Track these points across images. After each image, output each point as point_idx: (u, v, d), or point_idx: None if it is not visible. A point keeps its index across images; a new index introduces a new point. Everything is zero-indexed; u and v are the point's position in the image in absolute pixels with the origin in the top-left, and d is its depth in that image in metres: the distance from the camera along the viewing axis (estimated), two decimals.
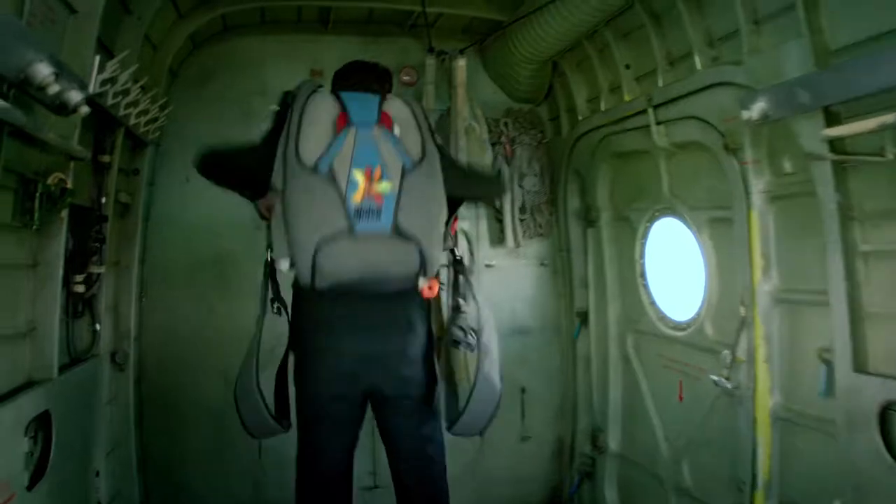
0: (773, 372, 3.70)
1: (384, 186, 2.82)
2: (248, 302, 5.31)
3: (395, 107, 3.03)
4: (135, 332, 4.93)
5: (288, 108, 2.96)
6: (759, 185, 3.72)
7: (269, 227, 3.04)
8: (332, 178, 2.77)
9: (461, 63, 5.24)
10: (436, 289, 2.99)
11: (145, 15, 4.15)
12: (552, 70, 5.62)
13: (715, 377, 4.02)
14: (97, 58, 3.35)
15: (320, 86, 3.07)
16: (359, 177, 2.79)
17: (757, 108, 3.27)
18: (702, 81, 3.98)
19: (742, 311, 3.83)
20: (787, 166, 3.53)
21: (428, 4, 5.03)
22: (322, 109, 2.94)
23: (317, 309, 3.01)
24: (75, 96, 2.81)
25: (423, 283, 2.92)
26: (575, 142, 5.53)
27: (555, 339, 6.14)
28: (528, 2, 4.96)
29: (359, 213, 2.77)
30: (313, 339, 3.06)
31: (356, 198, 2.77)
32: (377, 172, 2.82)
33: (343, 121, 2.88)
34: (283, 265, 2.91)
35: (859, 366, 3.01)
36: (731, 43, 3.77)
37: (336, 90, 3.19)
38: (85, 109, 2.87)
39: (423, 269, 2.90)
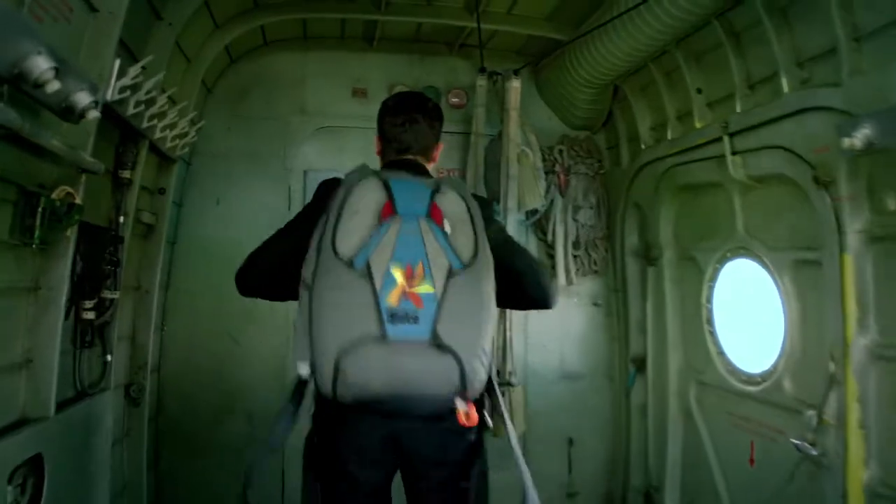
0: (869, 439, 3.21)
1: (425, 288, 2.38)
2: (276, 337, 5.17)
3: (449, 200, 2.54)
4: (153, 364, 4.58)
5: (326, 196, 2.55)
6: (855, 225, 3.27)
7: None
8: (367, 274, 2.35)
9: (515, 84, 4.85)
10: (474, 417, 2.45)
11: (177, 22, 3.84)
12: (612, 94, 5.22)
13: (796, 441, 3.55)
14: (117, 61, 3.03)
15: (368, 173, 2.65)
16: (397, 275, 2.36)
17: (860, 136, 2.85)
18: (789, 106, 3.56)
19: (832, 366, 3.37)
20: (892, 203, 3.08)
21: (482, 21, 4.70)
22: (368, 198, 2.50)
23: (337, 426, 2.52)
24: (83, 99, 2.47)
25: (461, 407, 2.41)
26: (636, 173, 5.10)
27: (607, 386, 5.67)
28: (590, 20, 4.60)
29: (393, 316, 2.32)
30: (332, 461, 2.56)
31: (392, 299, 2.33)
32: (419, 270, 2.39)
33: (388, 210, 2.48)
34: (303, 370, 2.42)
35: None
36: (825, 63, 3.37)
37: (386, 162, 2.90)
38: (94, 114, 2.53)
39: (462, 389, 2.42)
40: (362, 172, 2.54)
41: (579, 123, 5.57)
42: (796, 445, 3.55)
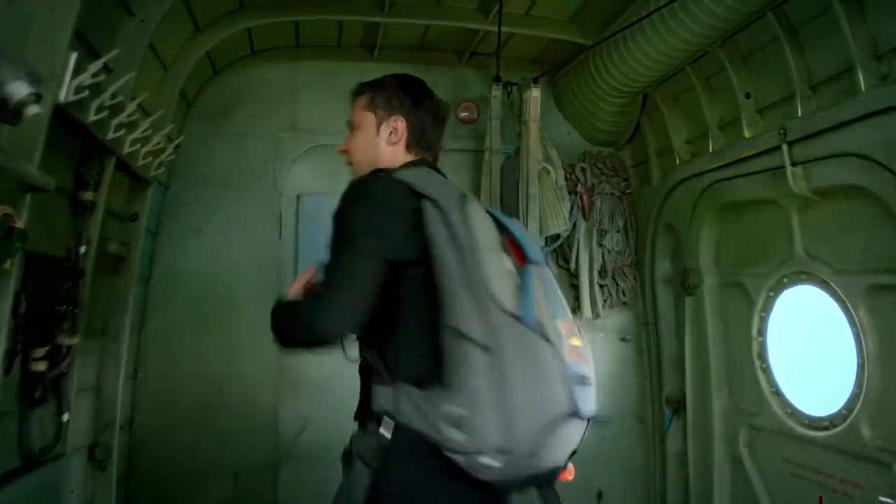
0: None
1: (577, 341, 2.02)
2: (264, 385, 4.53)
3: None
4: (123, 419, 3.97)
5: (405, 211, 2.06)
6: None
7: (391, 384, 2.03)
8: (543, 333, 1.93)
9: (535, 94, 4.33)
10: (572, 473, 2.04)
11: (150, 19, 3.28)
12: (641, 105, 4.69)
13: (885, 499, 3.05)
14: (73, 54, 2.48)
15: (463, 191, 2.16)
16: (563, 331, 1.99)
17: None
18: (865, 107, 3.07)
19: None
20: None
21: (495, 24, 4.19)
22: (487, 230, 2.07)
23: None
24: (19, 90, 1.90)
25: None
26: (669, 191, 4.56)
27: (639, 430, 5.07)
28: (618, 20, 4.10)
29: (579, 379, 1.94)
30: None
31: (571, 359, 1.94)
32: (570, 323, 2.04)
33: (518, 253, 2.11)
34: (490, 458, 1.87)
35: None
36: None
37: (416, 159, 2.42)
38: (34, 110, 1.94)
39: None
40: (457, 189, 2.14)
41: (602, 138, 5.04)
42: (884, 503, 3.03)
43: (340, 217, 2.09)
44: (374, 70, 4.80)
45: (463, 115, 4.83)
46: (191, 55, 3.93)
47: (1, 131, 2.22)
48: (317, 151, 4.75)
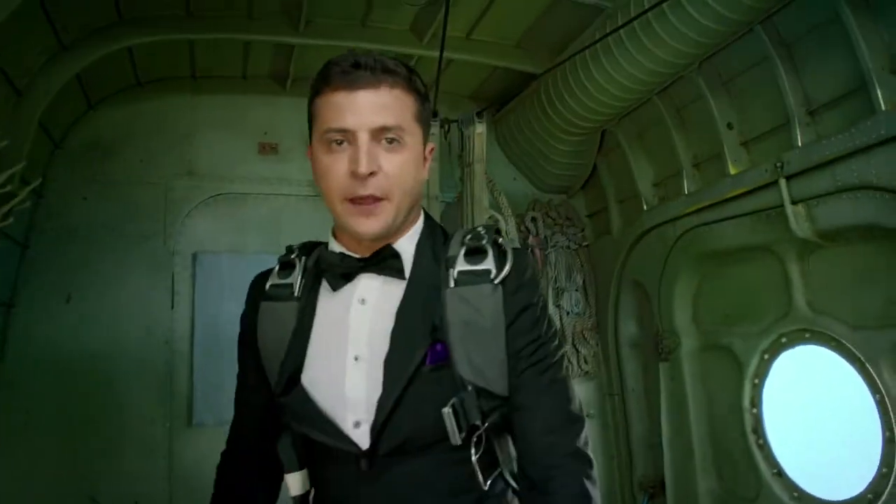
0: None
1: None
2: (157, 492, 3.67)
3: None
4: None
5: None
6: None
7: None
8: None
9: (479, 130, 3.73)
10: None
11: None
12: (598, 144, 4.12)
13: None
14: None
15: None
16: None
17: None
18: (881, 131, 2.61)
19: None
20: None
21: (430, 49, 3.59)
22: None
23: None
24: None
25: None
26: (634, 242, 4.00)
27: None
28: (573, 43, 3.59)
29: None
30: None
31: None
32: None
33: None
34: None
35: None
36: None
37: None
38: None
39: None
40: None
41: (553, 183, 4.47)
42: None
43: (538, 299, 1.75)
44: (288, 104, 4.19)
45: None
46: (53, 79, 3.13)
47: None
48: (218, 201, 4.02)
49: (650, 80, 3.41)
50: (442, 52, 3.45)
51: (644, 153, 4.00)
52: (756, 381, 3.47)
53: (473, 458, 1.62)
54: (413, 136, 1.65)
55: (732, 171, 3.36)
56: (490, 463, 1.68)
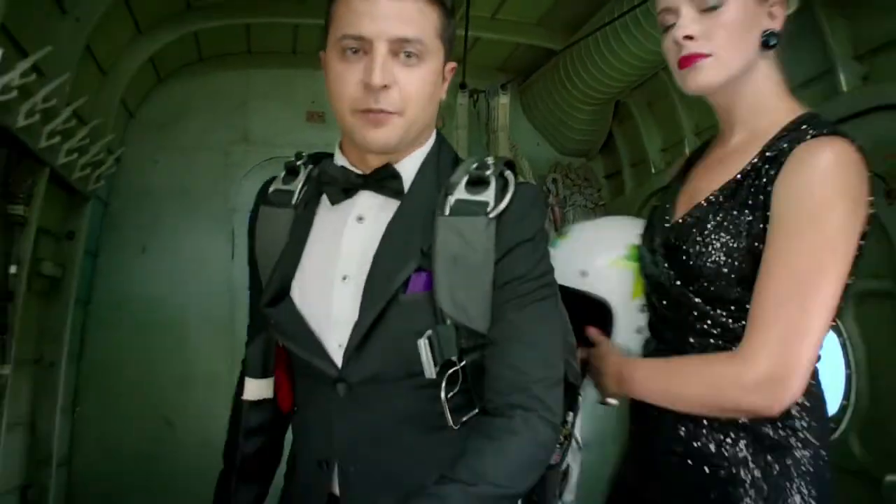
0: None
1: None
2: (220, 418, 4.19)
3: None
4: (60, 457, 3.63)
5: None
6: None
7: None
8: None
9: (503, 101, 4.15)
10: None
11: (87, 19, 2.99)
12: (613, 113, 4.53)
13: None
14: None
15: None
16: None
17: None
18: (848, 107, 2.96)
19: None
20: None
21: (462, 28, 3.99)
22: None
23: None
24: None
25: None
26: (645, 201, 4.38)
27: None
28: (589, 22, 3.95)
29: None
30: None
31: None
32: None
33: None
34: None
35: None
36: (891, 54, 2.85)
37: None
38: None
39: None
40: None
41: (573, 148, 4.85)
42: None
43: (536, 235, 1.59)
44: None
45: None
46: (132, 60, 3.62)
47: None
48: (271, 165, 4.45)
49: (656, 57, 3.76)
50: (466, 31, 3.85)
51: (654, 121, 4.37)
52: None
53: (443, 396, 1.51)
54: (433, 52, 1.54)
55: None
56: (468, 402, 1.57)
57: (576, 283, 2.04)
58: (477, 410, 1.55)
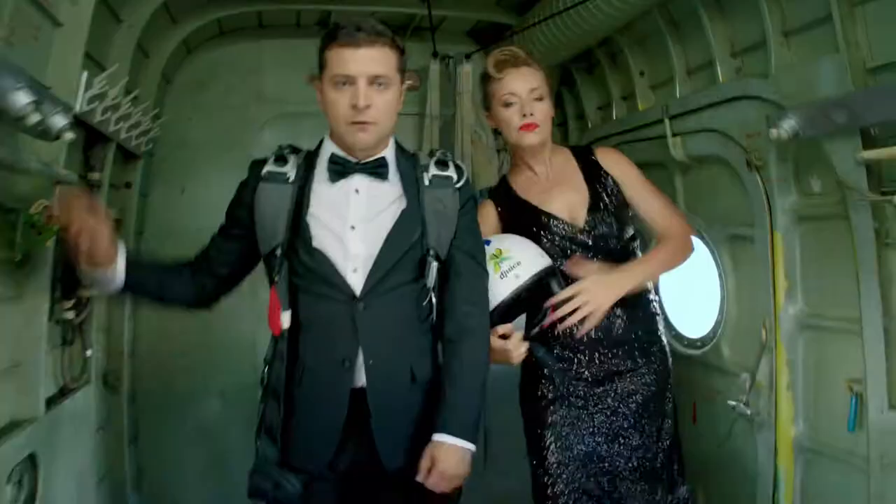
0: (796, 400, 3.49)
1: None
2: (244, 318, 4.93)
3: None
4: (128, 351, 4.72)
5: None
6: (784, 205, 3.50)
7: None
8: None
9: (466, 69, 5.03)
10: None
11: (137, 23, 3.92)
12: (559, 75, 5.39)
13: (732, 402, 3.81)
14: (84, 73, 3.14)
15: None
16: None
17: (787, 127, 3.03)
18: (723, 94, 3.76)
19: (763, 334, 3.63)
20: (816, 186, 3.32)
21: (432, 7, 4.82)
22: None
23: None
24: (59, 121, 2.58)
25: None
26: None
27: None
28: (537, 7, 4.74)
29: None
30: None
31: None
32: None
33: None
34: None
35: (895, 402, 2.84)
36: (757, 55, 3.55)
37: None
38: (70, 136, 2.65)
39: None
40: None
41: None
42: (732, 406, 3.80)
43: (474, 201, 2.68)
44: None
45: (408, 83, 5.48)
46: (169, 44, 4.53)
47: (34, 143, 2.80)
48: (281, 119, 5.35)
49: (590, 38, 4.45)
50: (430, 12, 4.74)
51: (591, 85, 5.20)
52: None
53: (434, 299, 2.46)
54: (394, 81, 2.35)
55: (641, 107, 4.58)
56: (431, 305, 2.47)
57: (542, 262, 2.91)
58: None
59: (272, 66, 5.38)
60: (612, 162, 3.31)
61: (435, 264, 2.41)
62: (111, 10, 3.65)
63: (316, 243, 2.36)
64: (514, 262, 2.79)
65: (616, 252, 3.20)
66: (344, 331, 2.33)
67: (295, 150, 2.55)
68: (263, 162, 2.53)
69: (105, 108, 3.48)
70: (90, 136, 3.70)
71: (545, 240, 3.11)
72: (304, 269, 2.36)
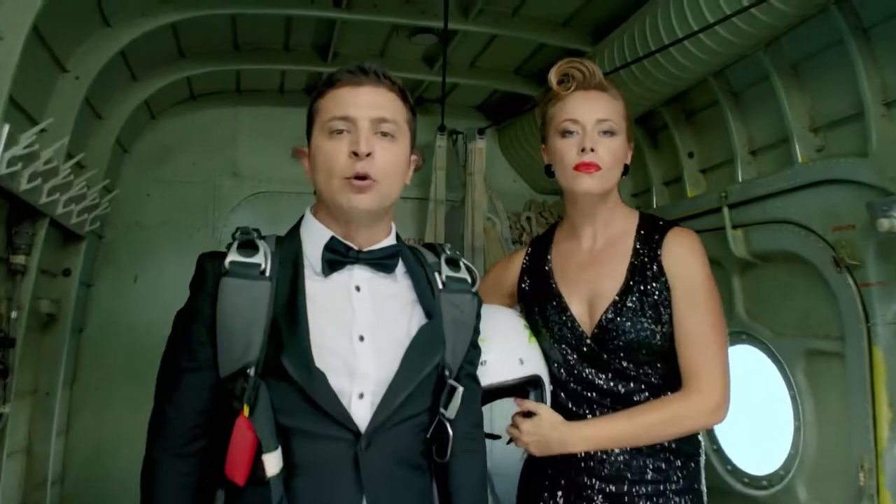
0: None
1: None
2: None
3: None
4: (54, 477, 3.82)
5: None
6: (887, 315, 2.85)
7: None
8: None
9: (480, 145, 4.35)
10: None
11: (86, 75, 3.19)
12: None
13: None
14: (6, 126, 2.37)
15: None
16: None
17: None
18: (801, 177, 3.17)
19: (861, 477, 2.91)
20: None
21: (439, 74, 4.18)
22: None
23: None
24: None
25: None
26: None
27: None
28: None
29: None
30: None
31: None
32: None
33: None
34: None
35: None
36: (847, 130, 3.01)
37: None
38: None
39: None
40: None
41: (548, 186, 5.03)
42: None
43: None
44: None
45: (412, 158, 4.81)
46: (127, 105, 3.81)
47: None
48: (258, 199, 4.66)
49: None
50: (444, 78, 4.04)
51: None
52: None
53: (449, 416, 1.84)
54: (404, 136, 1.85)
55: (690, 193, 3.95)
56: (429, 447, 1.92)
57: (516, 372, 2.27)
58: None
59: (249, 136, 4.69)
60: (679, 257, 2.28)
61: (460, 390, 1.85)
62: (52, 53, 2.92)
63: (317, 361, 1.73)
64: (483, 359, 2.20)
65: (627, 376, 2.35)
66: (344, 478, 1.74)
67: (263, 235, 1.88)
68: (220, 255, 1.82)
69: (35, 174, 2.70)
70: (15, 208, 2.90)
71: (555, 328, 2.38)
72: (292, 396, 1.72)
